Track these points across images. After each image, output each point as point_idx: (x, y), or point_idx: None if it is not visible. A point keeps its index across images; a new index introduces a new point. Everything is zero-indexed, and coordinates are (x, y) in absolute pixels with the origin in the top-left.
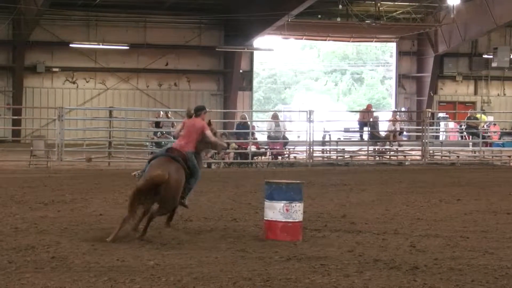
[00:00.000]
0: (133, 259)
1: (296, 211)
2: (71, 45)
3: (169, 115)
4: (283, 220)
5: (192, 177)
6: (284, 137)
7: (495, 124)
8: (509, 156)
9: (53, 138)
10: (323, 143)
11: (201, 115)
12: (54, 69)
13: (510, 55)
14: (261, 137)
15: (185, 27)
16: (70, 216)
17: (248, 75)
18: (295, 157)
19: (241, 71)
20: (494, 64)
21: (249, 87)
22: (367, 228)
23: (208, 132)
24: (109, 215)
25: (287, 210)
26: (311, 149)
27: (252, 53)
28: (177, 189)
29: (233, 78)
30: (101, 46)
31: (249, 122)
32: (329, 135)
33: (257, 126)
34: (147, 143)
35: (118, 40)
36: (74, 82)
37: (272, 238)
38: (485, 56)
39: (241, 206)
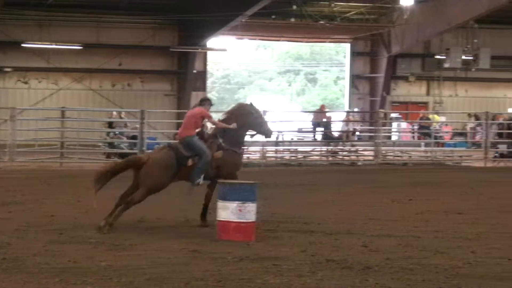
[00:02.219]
0: (85, 260)
1: (249, 212)
2: (23, 45)
3: (122, 116)
4: (236, 221)
5: (200, 158)
6: None
7: (447, 125)
8: (461, 156)
9: (5, 138)
10: (276, 143)
11: (205, 106)
12: (6, 69)
13: (462, 56)
14: None
15: (139, 27)
16: (21, 217)
17: (202, 76)
18: (248, 158)
19: (195, 71)
20: (446, 65)
21: (203, 87)
22: (320, 228)
23: (213, 120)
24: (61, 216)
25: (240, 210)
26: (264, 150)
27: (206, 54)
28: (154, 169)
29: (187, 78)
30: (54, 46)
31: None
32: (282, 135)
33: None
34: (100, 144)
35: (71, 40)
36: (26, 82)
37: (225, 239)
38: (438, 56)
39: (195, 206)
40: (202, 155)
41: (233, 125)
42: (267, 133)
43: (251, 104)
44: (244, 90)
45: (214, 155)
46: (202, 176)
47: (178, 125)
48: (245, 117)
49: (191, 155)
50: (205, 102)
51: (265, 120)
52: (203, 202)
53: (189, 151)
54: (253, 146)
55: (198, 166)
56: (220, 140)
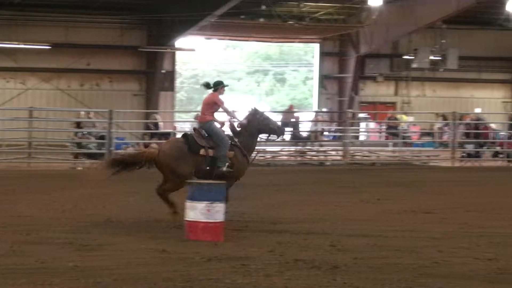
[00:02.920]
0: (52, 260)
1: (217, 212)
2: None
3: (90, 116)
4: (205, 221)
5: (218, 146)
6: None
7: (415, 125)
8: (428, 156)
9: None
10: None
11: (218, 90)
12: None
13: (430, 56)
14: None
15: (108, 27)
16: None
17: (171, 76)
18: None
19: (163, 71)
20: (414, 65)
21: (171, 87)
22: (289, 228)
23: (224, 107)
24: (29, 216)
25: (208, 210)
26: None
27: (174, 54)
28: (168, 162)
29: (155, 78)
30: (22, 46)
31: (160, 123)
32: None
33: (180, 127)
34: (68, 144)
35: (39, 40)
36: None
37: (194, 239)
38: (406, 57)
39: (163, 206)
40: (221, 142)
41: (242, 121)
42: (278, 132)
43: (254, 108)
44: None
45: (227, 154)
46: (226, 164)
47: (146, 125)
48: (252, 123)
49: (205, 145)
50: (218, 86)
51: (272, 119)
52: None
53: (204, 140)
54: None
55: (219, 153)
56: (236, 140)
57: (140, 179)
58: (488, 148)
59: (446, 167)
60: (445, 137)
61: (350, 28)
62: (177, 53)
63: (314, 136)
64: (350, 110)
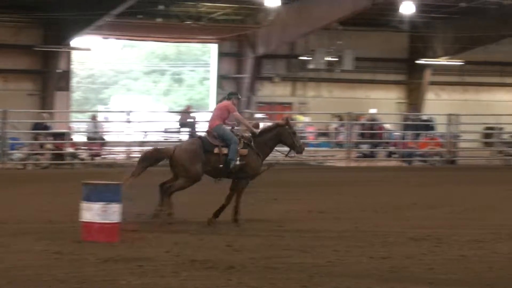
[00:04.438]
0: None
1: (113, 212)
2: None
3: None
4: (100, 221)
5: (229, 146)
6: (102, 138)
7: (311, 125)
8: (324, 156)
9: None
10: (141, 143)
11: (232, 99)
12: None
13: (326, 57)
14: (80, 138)
15: (2, 25)
16: None
17: (66, 75)
18: (114, 158)
19: (59, 71)
20: (311, 66)
21: (67, 87)
22: (185, 228)
23: (236, 114)
24: None
25: (104, 211)
26: (130, 150)
27: (70, 53)
28: (182, 159)
29: (50, 78)
30: None
31: (49, 123)
32: (146, 135)
33: (76, 127)
34: None
35: None
36: None
37: (89, 240)
38: (303, 58)
39: (58, 207)
40: (230, 140)
41: (255, 130)
42: (297, 149)
43: (286, 119)
44: (109, 90)
45: (240, 151)
46: (237, 158)
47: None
48: (274, 131)
49: (219, 144)
50: (232, 96)
51: (297, 136)
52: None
53: (218, 141)
54: (118, 147)
55: (230, 150)
56: (251, 140)
57: (25, 181)
58: (382, 148)
59: (341, 167)
60: (341, 137)
61: (247, 28)
62: (73, 53)
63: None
64: (247, 111)
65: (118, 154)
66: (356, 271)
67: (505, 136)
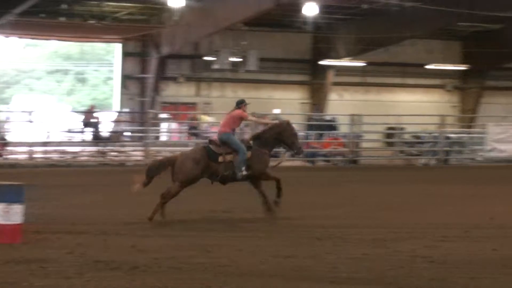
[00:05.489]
0: None
1: (15, 213)
2: None
3: None
4: (2, 223)
5: (237, 153)
6: (4, 138)
7: (216, 125)
8: None
9: None
10: (44, 143)
11: (241, 107)
12: None
13: (231, 58)
14: None
15: None
16: None
17: None
18: (16, 159)
19: None
20: (215, 66)
21: None
22: (89, 229)
23: (251, 118)
24: None
25: (6, 212)
26: (32, 150)
27: None
28: (185, 163)
29: None
30: None
31: None
32: (49, 135)
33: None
34: None
35: None
36: None
37: None
38: (207, 58)
39: None
40: (238, 149)
41: (269, 124)
42: (299, 151)
43: (288, 122)
44: (11, 89)
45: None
46: (243, 168)
47: None
48: (274, 131)
49: (223, 152)
50: (241, 104)
51: (298, 138)
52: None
53: (222, 148)
54: (20, 146)
55: (238, 160)
56: (251, 142)
57: None
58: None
59: None
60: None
61: (152, 28)
62: None
63: (116, 137)
64: (151, 111)
65: (20, 155)
66: (260, 271)
67: (406, 136)
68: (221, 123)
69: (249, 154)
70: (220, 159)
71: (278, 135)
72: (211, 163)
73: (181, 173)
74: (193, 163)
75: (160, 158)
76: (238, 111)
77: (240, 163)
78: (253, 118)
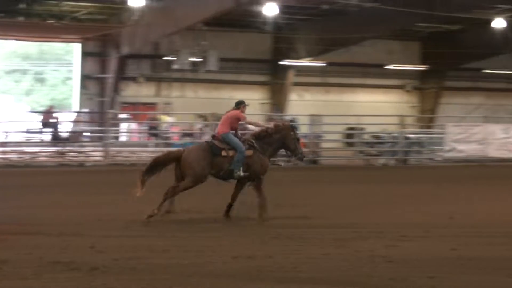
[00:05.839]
0: None
1: None
2: None
3: None
4: None
5: (236, 152)
6: None
7: (176, 125)
8: None
9: None
10: (2, 144)
11: (240, 108)
12: None
13: (191, 58)
14: None
15: None
16: None
17: None
18: None
19: None
20: (175, 66)
21: None
22: (47, 230)
23: (248, 120)
24: None
25: None
26: None
27: None
28: (190, 159)
29: None
30: None
31: None
32: (7, 135)
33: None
34: None
35: None
36: None
37: None
38: (167, 58)
39: None
40: (237, 148)
41: (269, 128)
42: (301, 156)
43: (291, 126)
44: None
45: (245, 152)
46: (241, 168)
47: None
48: (278, 134)
49: (226, 147)
50: (240, 105)
51: (300, 143)
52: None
53: (223, 143)
54: None
55: (235, 159)
56: (253, 141)
57: None
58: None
59: None
60: (205, 138)
61: (111, 28)
62: None
63: (75, 137)
64: (111, 111)
65: None
66: (221, 271)
67: (366, 136)
68: (219, 123)
69: (250, 152)
70: (224, 153)
71: (282, 139)
72: (215, 157)
73: (189, 169)
74: (198, 159)
75: (161, 154)
76: (235, 112)
77: (237, 162)
78: (250, 120)
